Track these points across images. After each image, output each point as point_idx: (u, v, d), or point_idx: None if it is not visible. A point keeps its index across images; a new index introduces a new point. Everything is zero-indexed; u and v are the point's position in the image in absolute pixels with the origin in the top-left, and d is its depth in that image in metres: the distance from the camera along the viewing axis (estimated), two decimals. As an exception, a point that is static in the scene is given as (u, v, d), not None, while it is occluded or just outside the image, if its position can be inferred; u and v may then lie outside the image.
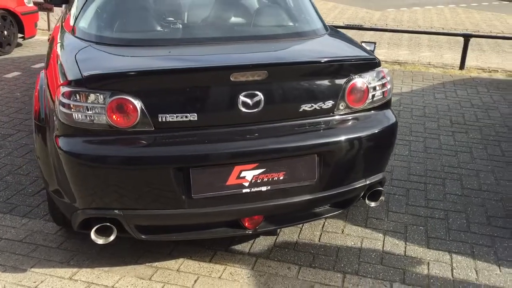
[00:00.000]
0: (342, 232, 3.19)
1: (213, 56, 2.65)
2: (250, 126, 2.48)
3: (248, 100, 2.44)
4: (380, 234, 3.18)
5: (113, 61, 2.59)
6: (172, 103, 2.39)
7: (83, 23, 2.92)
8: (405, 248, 3.05)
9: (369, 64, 2.68)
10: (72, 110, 2.38)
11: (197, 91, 2.41)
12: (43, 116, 2.71)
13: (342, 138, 2.56)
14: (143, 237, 2.55)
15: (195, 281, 2.74)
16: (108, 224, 2.48)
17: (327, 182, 2.60)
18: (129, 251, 2.96)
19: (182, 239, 2.68)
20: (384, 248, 3.04)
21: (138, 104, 2.36)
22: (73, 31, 3.01)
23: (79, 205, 2.49)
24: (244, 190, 2.47)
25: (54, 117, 2.50)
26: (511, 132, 4.85)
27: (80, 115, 2.38)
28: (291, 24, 3.13)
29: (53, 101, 2.54)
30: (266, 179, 2.48)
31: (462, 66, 7.24)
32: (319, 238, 3.12)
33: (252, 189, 2.48)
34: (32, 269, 2.79)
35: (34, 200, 3.46)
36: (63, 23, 3.28)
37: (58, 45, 2.96)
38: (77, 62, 2.50)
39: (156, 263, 2.88)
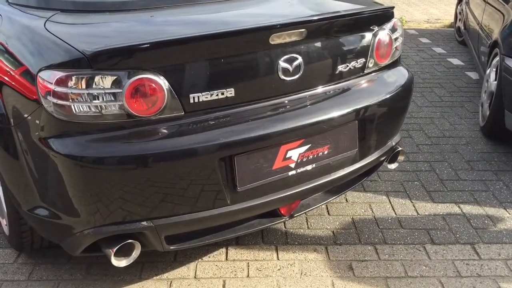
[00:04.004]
0: (347, 200, 2.97)
1: (240, 17, 2.19)
2: (291, 96, 2.10)
3: (288, 66, 2.04)
4: (383, 196, 3.02)
5: (114, 31, 1.99)
6: (205, 78, 1.90)
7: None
8: (414, 206, 2.93)
9: (388, 14, 2.42)
10: (71, 100, 1.77)
11: (233, 60, 1.94)
12: (0, 112, 2.03)
13: (379, 99, 2.31)
14: (171, 248, 2.06)
15: (223, 287, 2.32)
16: (131, 241, 1.94)
17: (365, 149, 2.33)
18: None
19: (216, 241, 2.22)
20: (396, 210, 2.88)
21: (164, 83, 1.83)
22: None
23: (86, 224, 1.91)
24: (290, 173, 2.10)
25: (33, 114, 1.86)
26: (433, 77, 5.00)
27: (82, 106, 1.78)
28: None
29: (24, 92, 1.89)
30: (311, 156, 2.13)
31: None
32: (328, 212, 2.86)
33: (298, 170, 2.12)
34: (14, 315, 2.14)
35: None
36: None
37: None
38: (58, 37, 1.87)
39: (166, 274, 2.40)
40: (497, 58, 3.56)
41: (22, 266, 2.43)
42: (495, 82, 3.54)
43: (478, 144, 3.64)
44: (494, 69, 3.64)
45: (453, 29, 6.64)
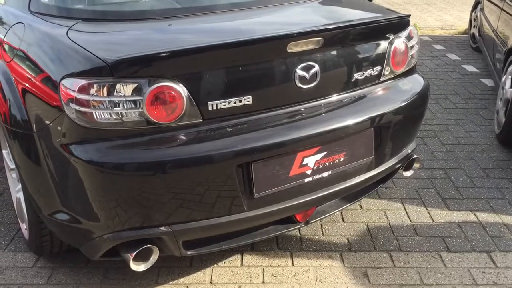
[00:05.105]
0: (362, 207, 2.98)
1: (257, 25, 2.22)
2: (308, 104, 2.12)
3: (305, 74, 2.07)
4: (398, 203, 3.02)
5: (135, 40, 2.03)
6: (223, 86, 1.93)
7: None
8: (429, 213, 2.93)
9: (404, 22, 2.43)
10: (93, 107, 1.81)
11: (251, 68, 1.97)
12: (23, 118, 2.07)
13: (395, 106, 2.32)
14: (188, 253, 2.08)
15: (239, 292, 2.35)
16: (150, 246, 1.97)
17: (381, 156, 2.34)
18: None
19: (232, 247, 2.24)
20: (411, 218, 2.88)
21: (183, 91, 1.86)
22: (29, 6, 2.34)
23: (106, 228, 1.94)
24: (307, 180, 2.12)
25: (55, 120, 1.90)
26: (448, 84, 4.99)
27: (104, 113, 1.82)
28: None
29: (46, 99, 1.93)
30: (327, 163, 2.15)
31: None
32: (343, 218, 2.87)
33: (314, 177, 2.14)
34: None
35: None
36: None
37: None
38: (81, 46, 1.90)
39: (182, 279, 2.42)
40: (513, 66, 3.55)
41: (41, 270, 2.46)
42: (511, 89, 3.53)
43: (494, 152, 3.62)
44: (510, 76, 3.63)
45: (467, 35, 6.62)
